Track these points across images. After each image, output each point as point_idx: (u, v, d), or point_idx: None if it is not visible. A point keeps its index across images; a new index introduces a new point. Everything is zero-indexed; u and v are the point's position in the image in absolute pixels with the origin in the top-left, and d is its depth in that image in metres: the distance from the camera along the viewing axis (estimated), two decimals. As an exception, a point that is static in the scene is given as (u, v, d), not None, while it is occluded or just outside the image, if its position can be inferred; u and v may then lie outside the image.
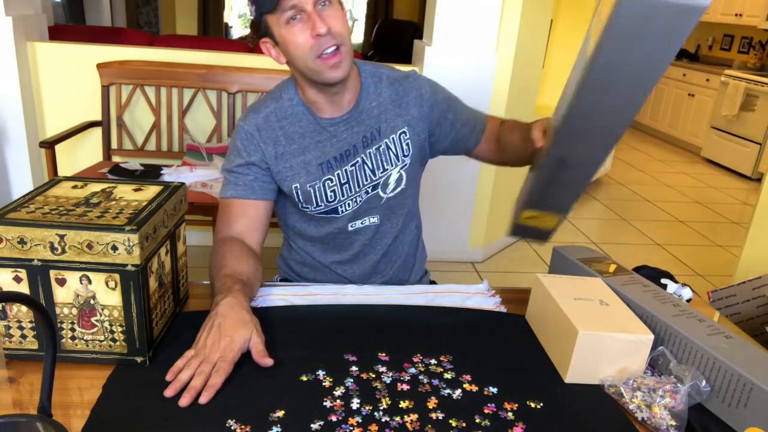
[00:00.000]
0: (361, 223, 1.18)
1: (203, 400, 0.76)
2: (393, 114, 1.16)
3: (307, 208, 1.15)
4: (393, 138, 1.15)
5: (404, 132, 1.16)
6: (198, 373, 0.79)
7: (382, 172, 1.15)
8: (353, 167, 1.14)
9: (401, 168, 1.16)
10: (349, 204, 1.16)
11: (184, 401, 0.75)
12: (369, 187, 1.15)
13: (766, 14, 5.32)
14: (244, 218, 1.11)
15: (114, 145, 2.66)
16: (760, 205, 2.33)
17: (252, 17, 1.09)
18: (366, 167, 1.14)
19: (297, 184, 1.13)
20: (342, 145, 1.13)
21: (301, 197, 1.14)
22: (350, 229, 1.18)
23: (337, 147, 1.13)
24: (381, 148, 1.14)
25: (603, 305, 0.90)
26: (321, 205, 1.15)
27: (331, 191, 1.14)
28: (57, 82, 2.64)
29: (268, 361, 0.83)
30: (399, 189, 1.17)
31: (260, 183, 1.13)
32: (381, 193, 1.16)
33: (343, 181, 1.14)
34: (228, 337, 0.83)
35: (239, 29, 9.15)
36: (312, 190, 1.13)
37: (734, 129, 5.35)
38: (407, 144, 1.16)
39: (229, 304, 0.88)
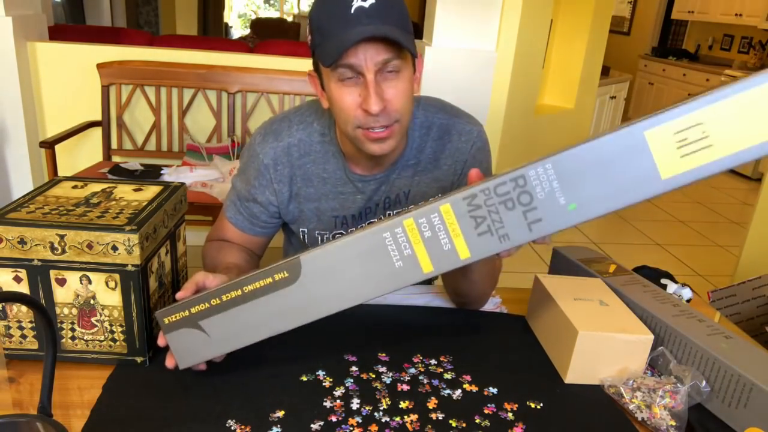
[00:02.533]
0: None
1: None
2: (429, 177, 1.02)
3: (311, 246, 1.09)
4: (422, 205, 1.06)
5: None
6: None
7: None
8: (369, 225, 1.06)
9: None
10: None
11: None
12: None
13: (766, 14, 5.32)
14: (242, 242, 1.07)
15: (114, 145, 2.66)
16: (760, 205, 2.33)
17: (309, 39, 0.89)
18: None
19: (305, 229, 1.05)
20: (364, 203, 1.02)
21: (306, 240, 1.07)
22: None
23: (359, 205, 1.02)
24: None
25: (603, 305, 0.90)
26: None
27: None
28: (57, 82, 2.64)
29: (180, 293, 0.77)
30: None
31: (261, 222, 1.05)
32: None
33: None
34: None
35: (239, 29, 9.16)
36: (320, 238, 1.05)
37: (734, 129, 5.34)
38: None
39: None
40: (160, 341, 0.78)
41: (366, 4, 0.81)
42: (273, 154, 0.99)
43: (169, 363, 0.78)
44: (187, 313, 0.75)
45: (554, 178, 0.64)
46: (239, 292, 0.73)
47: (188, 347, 0.76)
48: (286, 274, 0.71)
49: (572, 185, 0.64)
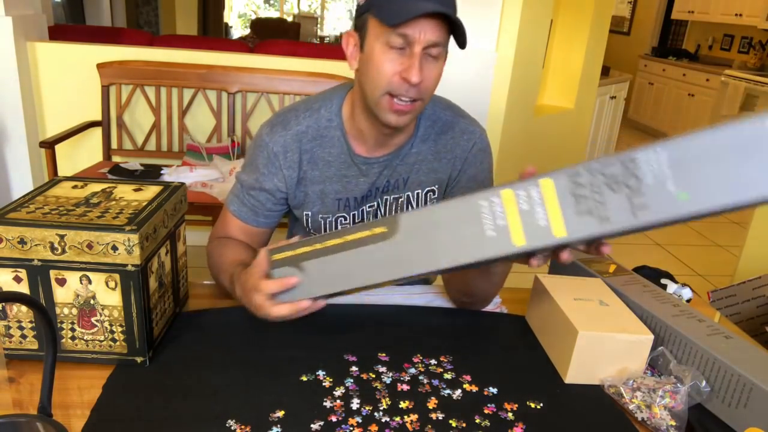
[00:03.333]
0: None
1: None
2: (428, 168, 1.05)
3: (315, 233, 1.09)
4: (418, 193, 1.06)
5: (432, 191, 1.07)
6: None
7: None
8: (370, 209, 1.07)
9: None
10: None
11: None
12: None
13: (766, 14, 5.32)
14: (244, 236, 1.07)
15: (114, 145, 2.66)
16: (760, 205, 2.33)
17: (360, 3, 0.93)
18: (379, 214, 1.07)
19: (309, 212, 1.06)
20: (366, 187, 1.04)
21: (309, 224, 1.08)
22: None
23: (362, 188, 1.04)
24: (401, 200, 1.06)
25: (603, 305, 0.90)
26: None
27: (342, 228, 1.08)
28: (57, 82, 2.64)
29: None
30: None
31: (266, 211, 1.06)
32: None
33: (357, 221, 1.07)
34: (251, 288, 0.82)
35: (239, 29, 9.15)
36: (323, 222, 1.07)
37: (734, 129, 5.34)
38: (432, 203, 1.06)
39: (241, 280, 0.86)
40: (268, 285, 0.78)
41: None
42: (282, 142, 1.01)
43: (280, 309, 0.79)
44: (292, 253, 0.77)
45: (667, 163, 0.59)
46: (340, 240, 0.74)
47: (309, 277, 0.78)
48: (385, 229, 0.72)
49: (686, 173, 0.58)
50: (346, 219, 1.07)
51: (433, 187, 1.06)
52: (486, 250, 0.68)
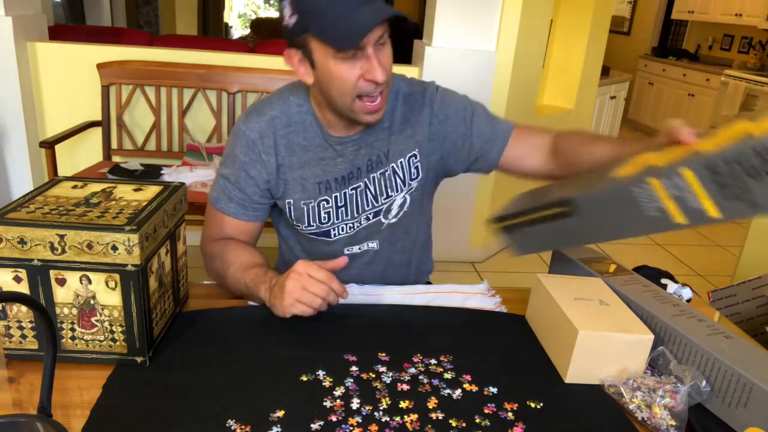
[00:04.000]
0: (359, 249, 1.13)
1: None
2: (404, 135, 1.07)
3: (298, 226, 1.10)
4: (401, 162, 1.08)
5: (414, 155, 1.08)
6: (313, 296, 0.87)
7: (385, 199, 1.08)
8: (354, 191, 1.07)
9: (406, 192, 1.09)
10: (343, 228, 1.09)
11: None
12: (370, 214, 1.09)
13: (766, 14, 5.32)
14: (236, 233, 1.08)
15: (114, 145, 2.66)
16: (760, 205, 2.32)
17: (286, 18, 0.92)
18: (368, 192, 1.07)
19: (290, 200, 1.07)
20: (346, 167, 1.06)
21: (293, 214, 1.08)
22: (346, 252, 1.11)
23: (340, 168, 1.06)
24: (387, 173, 1.07)
25: (603, 305, 0.90)
26: (313, 225, 1.09)
27: (325, 213, 1.07)
28: (57, 82, 2.64)
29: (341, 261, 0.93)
30: (402, 213, 1.11)
31: (254, 204, 1.06)
32: (383, 219, 1.10)
33: (339, 204, 1.07)
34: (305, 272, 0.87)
35: (239, 29, 9.15)
36: (305, 208, 1.07)
37: (734, 129, 5.34)
38: (416, 168, 1.08)
39: (280, 282, 0.90)
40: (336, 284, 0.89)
41: None
42: (258, 128, 1.03)
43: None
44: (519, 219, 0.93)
45: None
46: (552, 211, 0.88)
47: (523, 239, 0.94)
48: (570, 208, 0.84)
49: None
50: (328, 202, 1.07)
51: (414, 152, 1.09)
52: (652, 227, 0.76)
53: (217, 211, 1.08)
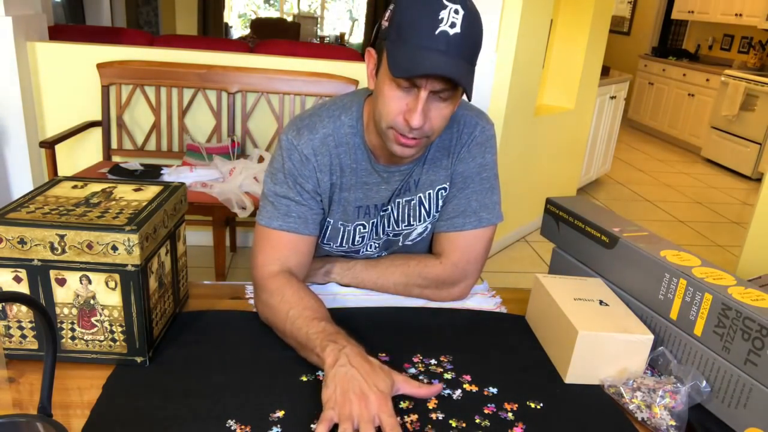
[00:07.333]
0: (371, 253, 1.12)
1: None
2: (438, 165, 1.03)
3: (328, 244, 1.07)
4: (429, 193, 1.04)
5: (444, 188, 1.04)
6: None
7: (406, 226, 1.06)
8: (383, 214, 1.05)
9: (429, 223, 1.07)
10: (370, 246, 1.09)
11: None
12: (390, 234, 1.08)
13: (766, 14, 5.32)
14: (297, 254, 0.99)
15: (114, 145, 2.66)
16: (759, 205, 2.33)
17: (383, 20, 0.90)
18: (392, 217, 1.05)
19: (331, 220, 1.04)
20: (387, 194, 1.03)
21: (328, 233, 1.05)
22: (359, 255, 1.11)
23: (382, 194, 1.03)
24: (412, 203, 1.04)
25: (603, 305, 0.90)
26: (344, 246, 1.07)
27: (360, 236, 1.06)
28: (57, 82, 2.64)
29: (436, 389, 0.79)
30: (420, 238, 1.09)
31: (314, 216, 1.00)
32: (401, 242, 1.09)
33: (372, 228, 1.06)
34: (374, 387, 0.73)
35: (239, 29, 9.15)
36: (342, 230, 1.04)
37: (734, 129, 5.35)
38: (443, 200, 1.05)
39: (354, 353, 0.79)
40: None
41: (451, 32, 0.82)
42: (312, 145, 0.98)
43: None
44: None
45: None
46: None
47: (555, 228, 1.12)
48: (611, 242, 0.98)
49: None
50: (365, 227, 1.05)
51: (445, 185, 1.04)
52: (654, 304, 0.89)
53: (272, 231, 0.98)
